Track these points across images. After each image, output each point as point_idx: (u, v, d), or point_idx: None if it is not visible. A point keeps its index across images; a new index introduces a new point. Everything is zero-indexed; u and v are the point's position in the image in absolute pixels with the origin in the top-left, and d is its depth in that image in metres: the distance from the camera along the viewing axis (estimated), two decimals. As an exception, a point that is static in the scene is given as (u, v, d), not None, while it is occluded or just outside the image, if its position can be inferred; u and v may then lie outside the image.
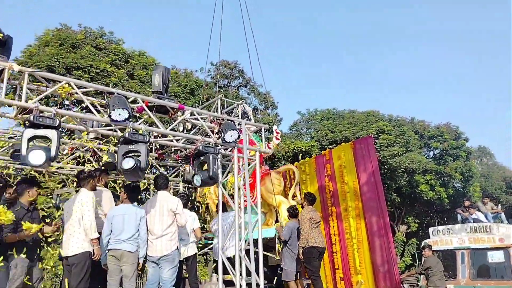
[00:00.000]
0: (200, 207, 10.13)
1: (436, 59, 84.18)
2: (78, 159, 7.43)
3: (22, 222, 4.94)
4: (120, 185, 7.56)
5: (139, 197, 6.21)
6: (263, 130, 7.91)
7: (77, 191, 5.73)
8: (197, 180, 6.35)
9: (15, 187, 5.44)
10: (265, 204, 9.22)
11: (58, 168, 7.40)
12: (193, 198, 10.33)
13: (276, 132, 8.81)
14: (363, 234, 8.83)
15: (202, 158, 6.44)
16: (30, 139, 4.78)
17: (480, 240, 9.50)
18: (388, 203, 20.62)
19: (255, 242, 6.91)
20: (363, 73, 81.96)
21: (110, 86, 13.68)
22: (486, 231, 9.65)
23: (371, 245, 8.69)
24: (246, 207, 7.08)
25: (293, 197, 9.31)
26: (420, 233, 25.86)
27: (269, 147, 8.06)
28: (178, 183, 9.15)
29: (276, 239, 8.20)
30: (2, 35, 4.84)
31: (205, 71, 17.22)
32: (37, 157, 4.69)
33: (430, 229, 11.24)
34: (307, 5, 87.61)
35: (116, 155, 6.93)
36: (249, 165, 7.30)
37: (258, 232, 6.99)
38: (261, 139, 8.09)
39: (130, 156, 5.40)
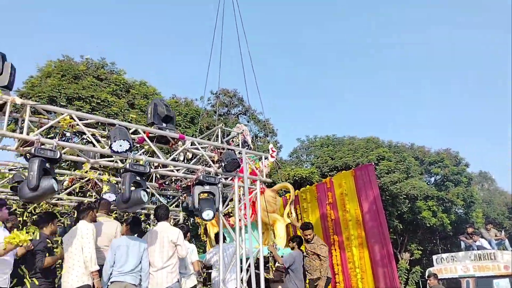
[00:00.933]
0: (199, 228, 10.03)
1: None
2: (79, 190, 7.39)
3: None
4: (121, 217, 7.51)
5: (140, 229, 6.13)
6: (263, 158, 7.92)
7: (76, 223, 5.68)
8: (208, 214, 6.19)
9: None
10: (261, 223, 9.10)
11: (57, 199, 7.37)
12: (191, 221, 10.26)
13: (272, 150, 8.81)
14: (366, 264, 8.70)
15: (205, 187, 6.37)
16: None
17: (485, 267, 9.37)
18: (390, 230, 20.44)
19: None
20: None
21: (111, 116, 13.82)
22: (491, 259, 9.53)
23: (375, 274, 8.56)
24: (246, 226, 7.04)
25: (289, 215, 9.21)
26: (424, 260, 25.52)
27: (265, 166, 8.09)
28: (179, 212, 9.08)
29: (270, 258, 8.08)
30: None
31: (204, 100, 17.40)
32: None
33: (434, 257, 11.10)
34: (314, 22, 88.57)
35: (116, 185, 6.93)
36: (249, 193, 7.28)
37: (260, 265, 6.89)
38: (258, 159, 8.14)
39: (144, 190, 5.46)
